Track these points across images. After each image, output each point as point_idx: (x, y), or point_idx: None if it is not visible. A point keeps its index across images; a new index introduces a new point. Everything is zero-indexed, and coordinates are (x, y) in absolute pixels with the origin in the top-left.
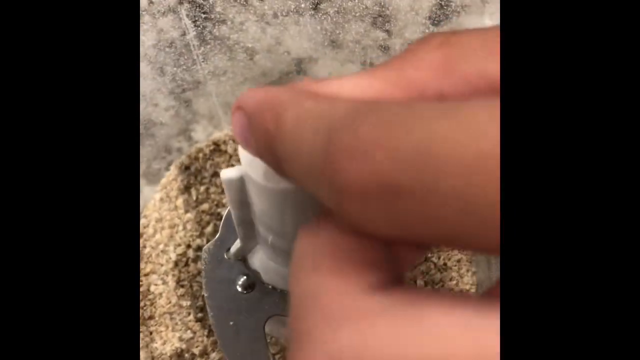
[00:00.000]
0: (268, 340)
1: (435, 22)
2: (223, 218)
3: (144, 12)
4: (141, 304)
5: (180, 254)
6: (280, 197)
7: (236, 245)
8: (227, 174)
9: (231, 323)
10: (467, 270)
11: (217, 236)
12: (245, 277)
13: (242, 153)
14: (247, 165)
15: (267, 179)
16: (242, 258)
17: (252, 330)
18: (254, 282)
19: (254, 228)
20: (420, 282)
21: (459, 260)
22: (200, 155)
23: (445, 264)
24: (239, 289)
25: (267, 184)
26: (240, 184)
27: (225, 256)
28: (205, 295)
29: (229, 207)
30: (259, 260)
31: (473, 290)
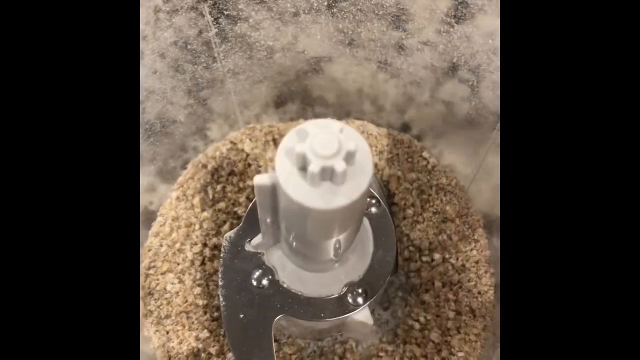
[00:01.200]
0: (285, 340)
1: (452, 23)
2: (248, 209)
3: (161, 10)
4: (157, 302)
5: (197, 253)
6: (307, 213)
7: (258, 238)
8: (261, 180)
9: (241, 316)
10: (486, 272)
11: (240, 225)
12: (261, 271)
13: (279, 165)
14: (283, 180)
15: (300, 196)
16: (261, 252)
17: (261, 326)
18: (269, 277)
19: (277, 227)
20: (438, 283)
21: (477, 262)
22: (217, 153)
23: (463, 265)
24: (254, 282)
25: (300, 201)
26: (272, 191)
27: (246, 247)
28: (220, 284)
29: (254, 199)
30: (278, 257)
31: (491, 292)
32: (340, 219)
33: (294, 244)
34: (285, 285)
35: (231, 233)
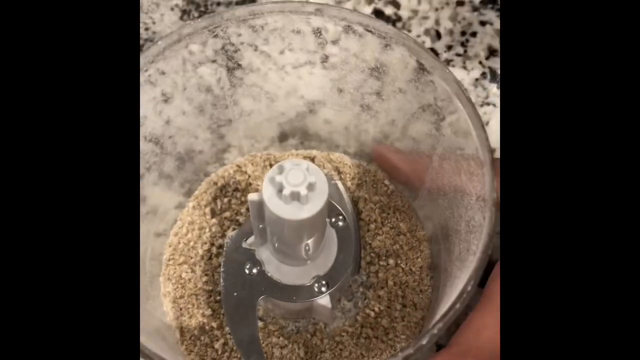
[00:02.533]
0: (270, 320)
1: (418, 75)
2: (247, 217)
3: (187, 61)
4: (174, 286)
5: (206, 250)
6: (283, 222)
7: (252, 238)
8: (252, 197)
9: (235, 294)
10: (427, 275)
11: (240, 227)
12: (252, 263)
13: (264, 188)
14: (267, 199)
15: (277, 210)
16: (253, 249)
17: (249, 302)
18: (258, 268)
19: (264, 231)
20: (390, 282)
21: (421, 267)
22: (226, 174)
23: (410, 269)
24: (247, 271)
25: (277, 213)
26: (260, 205)
27: (243, 244)
28: (222, 269)
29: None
30: (265, 254)
31: (430, 290)
32: (306, 227)
33: (276, 244)
34: (269, 275)
35: (233, 233)
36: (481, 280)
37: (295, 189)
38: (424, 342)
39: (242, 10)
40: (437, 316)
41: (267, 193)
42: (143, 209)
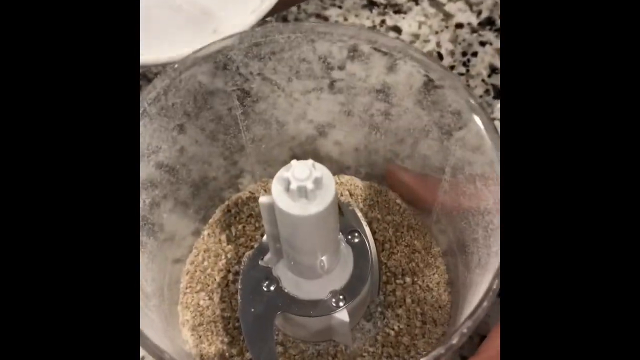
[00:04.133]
0: (290, 345)
1: (424, 95)
2: (264, 236)
3: (198, 92)
4: (192, 314)
5: (223, 277)
6: (294, 222)
7: (267, 256)
8: (263, 200)
9: (252, 310)
10: (444, 290)
11: (256, 246)
12: (269, 280)
13: (274, 188)
14: (275, 197)
15: (286, 207)
16: (270, 266)
17: (266, 318)
18: (275, 284)
19: (278, 243)
20: (408, 300)
21: (438, 283)
22: (240, 201)
23: (427, 286)
24: (264, 288)
25: (286, 210)
26: (271, 208)
27: (259, 262)
28: (239, 287)
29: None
30: (281, 270)
31: (449, 306)
32: (316, 227)
33: (290, 255)
34: (286, 290)
35: (249, 253)
36: None
37: (302, 183)
38: (454, 341)
39: (249, 36)
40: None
41: (276, 191)
42: (160, 237)
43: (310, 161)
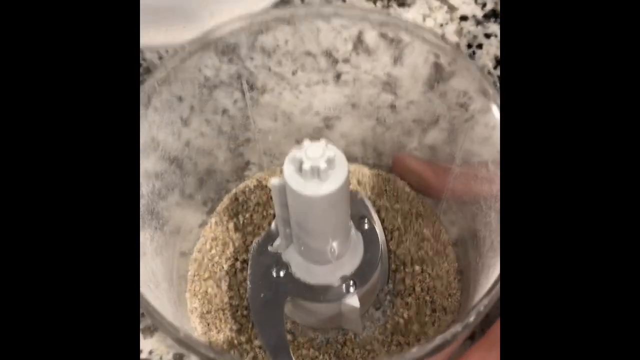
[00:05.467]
0: (299, 333)
1: (431, 86)
2: (272, 222)
3: (203, 86)
4: (201, 302)
5: (230, 265)
6: (303, 200)
7: (277, 241)
8: (274, 182)
9: (262, 295)
10: (454, 278)
11: (265, 232)
12: (279, 266)
13: (285, 168)
14: (287, 177)
15: (298, 188)
16: (280, 252)
17: (276, 303)
18: (285, 270)
19: (289, 227)
20: (418, 288)
21: (447, 271)
22: (247, 189)
23: (437, 274)
24: (273, 273)
25: (298, 190)
26: (282, 190)
27: (269, 248)
28: (249, 272)
29: (274, 220)
30: (291, 255)
31: (459, 294)
32: (328, 208)
33: (301, 239)
34: (296, 276)
35: (258, 239)
36: None
37: (315, 163)
38: (471, 319)
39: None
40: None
41: (288, 171)
42: (167, 229)
43: (323, 141)
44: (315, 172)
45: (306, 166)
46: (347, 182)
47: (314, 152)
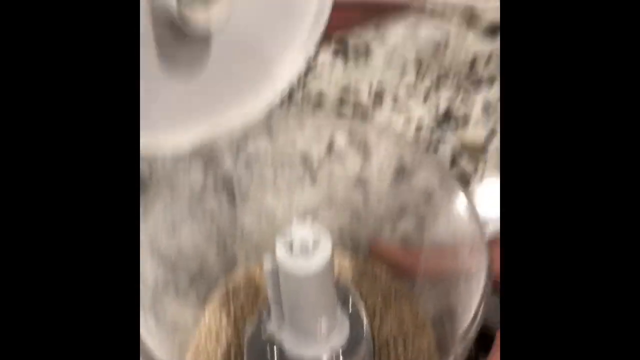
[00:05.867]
0: None
1: (397, 182)
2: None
3: (194, 197)
4: None
5: (224, 353)
6: (296, 281)
7: (270, 322)
8: (267, 264)
9: None
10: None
11: (256, 316)
12: (272, 346)
13: (278, 252)
14: (280, 259)
15: (290, 266)
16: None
17: None
18: (278, 349)
19: (281, 307)
20: None
21: (427, 348)
22: (236, 279)
23: (418, 350)
24: (268, 356)
25: (291, 270)
26: (275, 273)
27: (261, 331)
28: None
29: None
30: (282, 333)
31: None
32: (316, 286)
33: (293, 318)
34: (290, 353)
35: (251, 326)
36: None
37: (304, 241)
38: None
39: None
40: None
41: (280, 253)
42: (164, 327)
43: (308, 221)
44: (305, 250)
45: (296, 245)
46: (333, 257)
47: (302, 231)
